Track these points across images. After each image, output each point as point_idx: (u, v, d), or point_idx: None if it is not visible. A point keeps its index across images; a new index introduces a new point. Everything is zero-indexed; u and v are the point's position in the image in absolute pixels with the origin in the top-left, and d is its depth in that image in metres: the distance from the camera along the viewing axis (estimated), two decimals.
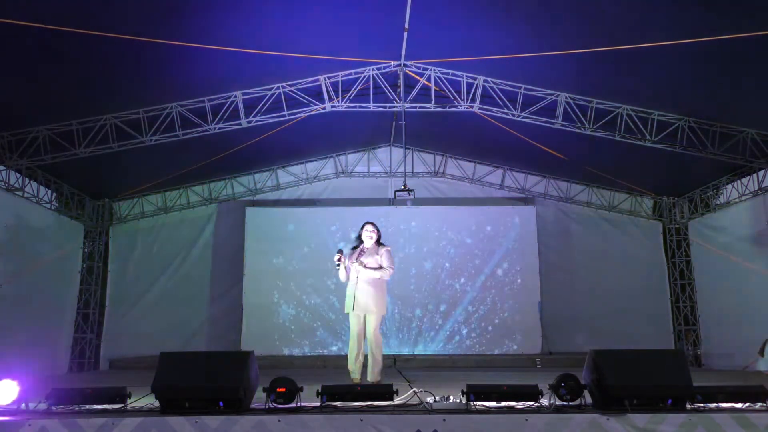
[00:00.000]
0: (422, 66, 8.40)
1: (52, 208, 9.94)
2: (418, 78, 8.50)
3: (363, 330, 6.27)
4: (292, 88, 8.49)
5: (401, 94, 8.70)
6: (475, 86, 8.51)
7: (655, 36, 6.69)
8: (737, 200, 9.86)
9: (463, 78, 8.46)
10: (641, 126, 8.47)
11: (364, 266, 6.25)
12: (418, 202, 10.47)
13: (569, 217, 12.05)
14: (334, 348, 11.25)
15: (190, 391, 4.10)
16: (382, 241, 6.53)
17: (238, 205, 11.92)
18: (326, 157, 12.02)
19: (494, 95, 8.47)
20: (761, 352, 8.70)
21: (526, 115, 8.58)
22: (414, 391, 4.53)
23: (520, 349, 11.26)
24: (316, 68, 8.26)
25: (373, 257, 6.32)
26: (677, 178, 10.77)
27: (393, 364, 10.20)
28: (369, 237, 6.41)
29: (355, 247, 6.46)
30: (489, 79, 8.42)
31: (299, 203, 12.03)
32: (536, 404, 4.10)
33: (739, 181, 9.76)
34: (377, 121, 10.50)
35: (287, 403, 4.11)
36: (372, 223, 6.55)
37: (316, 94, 8.64)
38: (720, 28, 6.28)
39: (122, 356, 10.87)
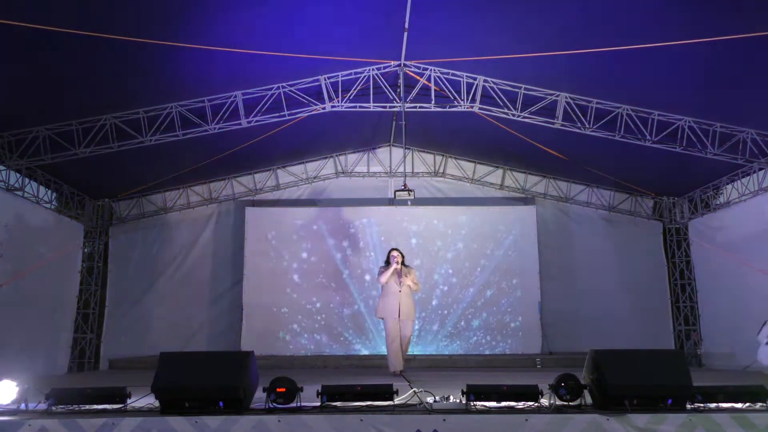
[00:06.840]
0: (422, 66, 8.39)
1: (52, 208, 9.93)
2: (418, 78, 8.49)
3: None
4: (292, 88, 8.48)
5: (401, 94, 8.69)
6: (475, 86, 8.50)
7: (655, 36, 6.68)
8: (737, 200, 9.85)
9: (463, 78, 8.45)
10: (641, 126, 8.46)
11: (409, 285, 7.85)
12: (418, 202, 10.45)
13: (569, 217, 12.03)
14: (334, 348, 11.25)
15: (190, 391, 4.11)
16: (406, 262, 8.02)
17: (238, 205, 11.91)
18: (326, 157, 12.01)
19: (494, 95, 8.46)
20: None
21: (526, 115, 8.57)
22: (414, 391, 4.53)
23: (520, 349, 11.25)
24: (316, 68, 8.25)
25: (408, 276, 7.86)
26: (677, 178, 10.75)
27: None
28: (396, 261, 7.83)
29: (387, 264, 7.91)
30: (489, 79, 8.41)
31: (299, 203, 12.01)
32: (536, 404, 4.10)
33: (739, 181, 9.75)
34: (377, 121, 10.50)
35: (287, 403, 4.12)
36: (397, 249, 8.02)
37: (316, 94, 8.62)
38: (720, 28, 6.28)
39: (122, 356, 10.85)
